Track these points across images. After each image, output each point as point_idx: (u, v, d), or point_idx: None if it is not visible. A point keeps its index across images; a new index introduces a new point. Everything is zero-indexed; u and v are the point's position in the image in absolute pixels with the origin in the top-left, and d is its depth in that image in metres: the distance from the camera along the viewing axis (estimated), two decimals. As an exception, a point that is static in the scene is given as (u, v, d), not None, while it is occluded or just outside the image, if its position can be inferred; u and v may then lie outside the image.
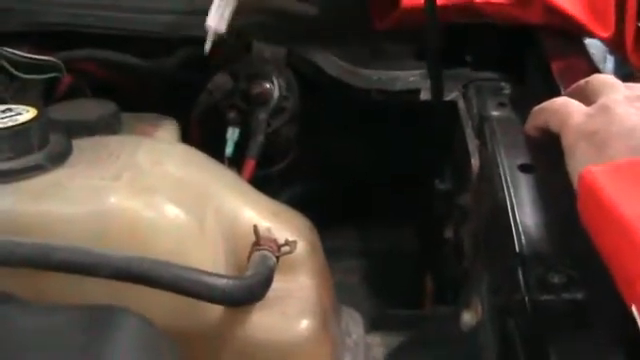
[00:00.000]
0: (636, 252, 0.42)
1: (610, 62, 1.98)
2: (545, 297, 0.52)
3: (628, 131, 0.52)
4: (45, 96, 0.83)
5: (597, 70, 0.77)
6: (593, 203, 0.47)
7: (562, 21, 0.81)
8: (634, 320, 0.41)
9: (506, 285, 0.59)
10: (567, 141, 0.56)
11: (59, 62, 0.83)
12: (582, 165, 0.51)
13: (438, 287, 0.86)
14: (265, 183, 0.74)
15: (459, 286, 0.72)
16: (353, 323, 0.70)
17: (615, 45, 0.83)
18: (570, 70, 0.73)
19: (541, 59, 0.77)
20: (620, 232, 0.43)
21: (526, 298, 0.54)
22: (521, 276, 0.58)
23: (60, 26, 0.88)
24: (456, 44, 0.85)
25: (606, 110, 0.55)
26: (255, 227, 0.61)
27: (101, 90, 0.85)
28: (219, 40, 0.84)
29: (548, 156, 0.59)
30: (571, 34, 0.82)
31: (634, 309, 0.42)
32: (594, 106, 0.56)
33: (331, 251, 0.71)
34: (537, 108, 0.63)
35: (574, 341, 0.48)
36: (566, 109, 0.58)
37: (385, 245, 0.91)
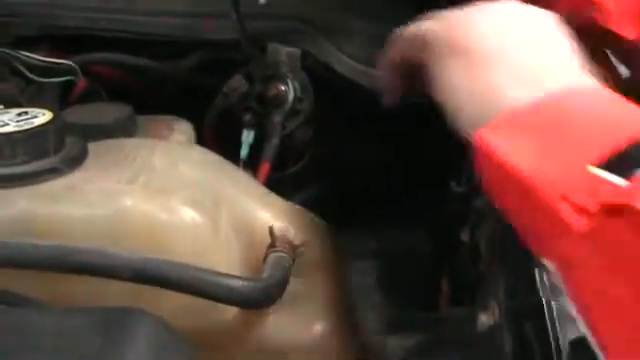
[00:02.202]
0: (541, 209, 0.41)
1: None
2: (562, 300, 0.52)
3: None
4: (61, 99, 0.84)
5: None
6: (490, 164, 0.45)
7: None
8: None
9: (523, 288, 0.59)
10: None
11: (74, 65, 0.84)
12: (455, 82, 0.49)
13: (454, 289, 0.86)
14: (280, 185, 0.74)
15: (475, 289, 0.72)
16: (368, 325, 0.70)
17: None
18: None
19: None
20: (521, 190, 0.42)
21: (543, 301, 0.54)
22: (538, 279, 0.58)
23: (75, 30, 0.88)
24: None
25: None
26: (270, 228, 0.61)
27: (116, 93, 0.85)
28: (235, 44, 0.84)
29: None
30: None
31: (547, 263, 0.42)
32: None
33: (347, 252, 0.71)
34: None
35: (589, 344, 0.48)
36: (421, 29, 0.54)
37: (401, 247, 0.91)
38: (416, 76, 0.55)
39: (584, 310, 0.40)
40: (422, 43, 0.53)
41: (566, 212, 0.40)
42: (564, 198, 0.40)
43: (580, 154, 0.41)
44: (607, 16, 0.63)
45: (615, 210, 0.38)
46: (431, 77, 0.52)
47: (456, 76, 0.50)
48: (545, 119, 0.44)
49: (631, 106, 0.44)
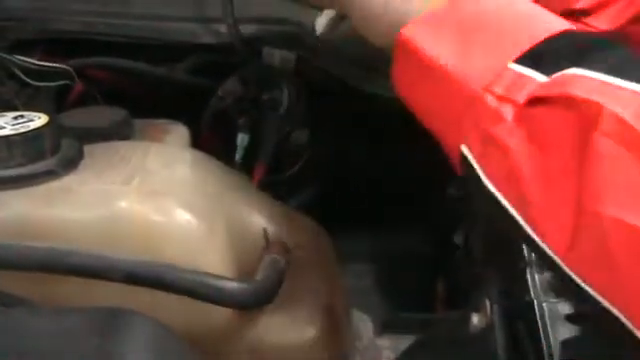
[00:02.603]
0: (465, 100, 0.44)
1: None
2: (553, 300, 0.53)
3: None
4: (57, 103, 0.84)
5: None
6: (413, 59, 0.47)
7: None
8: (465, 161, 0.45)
9: (516, 288, 0.59)
10: None
11: (70, 69, 0.84)
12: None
13: (449, 291, 0.86)
14: (276, 188, 0.75)
15: (470, 290, 0.72)
16: (363, 326, 0.71)
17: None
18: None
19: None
20: (445, 83, 0.45)
21: (535, 301, 0.54)
22: (530, 280, 0.58)
23: (71, 34, 0.88)
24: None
25: None
26: (265, 231, 0.61)
27: (112, 97, 0.86)
28: (229, 48, 0.85)
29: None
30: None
31: (463, 148, 0.45)
32: None
33: (342, 255, 0.72)
34: None
35: (582, 343, 0.48)
36: None
37: (396, 249, 0.91)
38: None
39: (510, 188, 0.43)
40: None
41: (492, 102, 0.43)
42: (488, 90, 0.43)
43: (501, 49, 0.44)
44: None
45: (540, 101, 0.42)
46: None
47: None
48: (465, 16, 0.47)
49: (540, 8, 0.48)
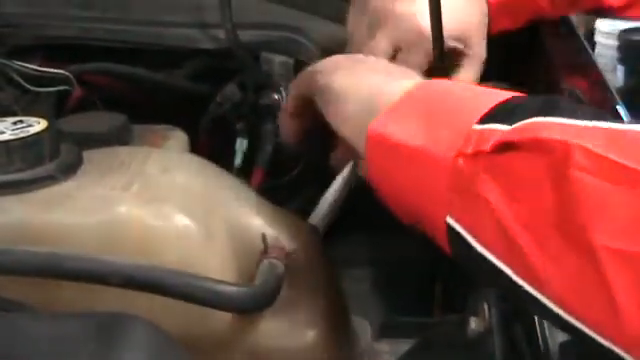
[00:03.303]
0: (438, 172, 0.46)
1: (620, 71, 1.98)
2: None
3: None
4: (56, 109, 0.84)
5: (601, 76, 0.77)
6: (384, 149, 0.51)
7: None
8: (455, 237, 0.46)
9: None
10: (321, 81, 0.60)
11: (69, 75, 0.84)
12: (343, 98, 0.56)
13: (447, 295, 0.86)
14: (274, 192, 0.75)
15: (468, 294, 0.72)
16: (361, 330, 0.71)
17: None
18: (574, 76, 0.74)
19: (546, 67, 0.78)
20: (417, 163, 0.48)
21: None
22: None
23: (71, 39, 0.89)
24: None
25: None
26: (263, 235, 0.61)
27: (111, 102, 0.86)
28: (228, 53, 0.85)
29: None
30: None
31: (449, 220, 0.46)
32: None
33: (340, 259, 0.72)
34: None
35: (581, 347, 0.48)
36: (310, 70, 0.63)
37: (394, 253, 0.91)
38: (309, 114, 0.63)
39: (502, 245, 0.43)
40: (312, 77, 0.62)
41: (464, 163, 0.45)
42: (459, 155, 0.46)
43: (463, 119, 0.47)
44: None
45: (507, 145, 0.44)
46: (321, 102, 0.60)
47: (344, 81, 0.58)
48: (421, 102, 0.51)
49: (477, 87, 0.53)
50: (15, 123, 0.61)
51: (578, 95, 0.69)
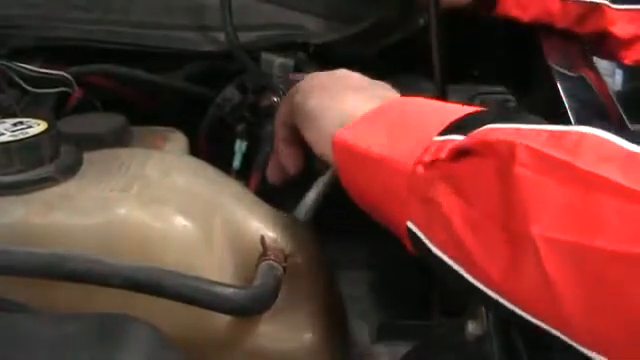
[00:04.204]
0: (398, 178, 0.50)
1: (619, 75, 1.99)
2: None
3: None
4: (56, 110, 0.84)
5: (602, 80, 0.78)
6: (350, 156, 0.54)
7: None
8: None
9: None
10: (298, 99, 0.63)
11: (69, 77, 0.84)
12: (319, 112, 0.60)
13: (445, 298, 0.86)
14: (273, 195, 0.75)
15: (466, 297, 0.72)
16: (359, 333, 0.71)
17: None
18: (573, 81, 0.74)
19: (545, 71, 0.78)
20: (379, 169, 0.51)
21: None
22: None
23: (72, 41, 0.89)
24: (464, 59, 0.86)
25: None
26: (262, 238, 0.61)
27: (111, 104, 0.86)
28: (228, 55, 0.85)
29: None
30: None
31: (409, 224, 0.50)
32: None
33: (338, 262, 0.72)
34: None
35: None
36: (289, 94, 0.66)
37: (392, 256, 0.91)
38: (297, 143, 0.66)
39: (454, 246, 0.46)
40: (291, 99, 0.64)
41: (422, 170, 0.48)
42: (418, 162, 0.49)
43: (425, 130, 0.50)
44: None
45: (461, 152, 0.47)
46: (298, 121, 0.63)
47: (318, 102, 0.60)
48: (388, 116, 0.55)
49: (442, 103, 0.56)
50: (15, 124, 0.61)
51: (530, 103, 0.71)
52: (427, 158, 0.49)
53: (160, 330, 0.47)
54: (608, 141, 0.42)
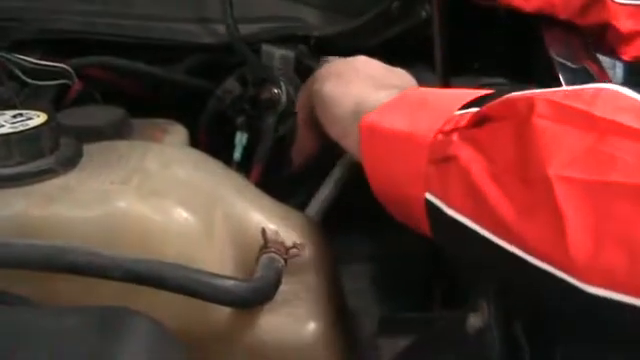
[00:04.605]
0: (416, 147, 0.52)
1: (619, 68, 1.98)
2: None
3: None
4: (56, 102, 0.84)
5: (604, 72, 0.77)
6: (375, 137, 0.56)
7: None
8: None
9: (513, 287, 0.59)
10: (315, 85, 0.65)
11: (69, 69, 0.84)
12: (331, 98, 0.63)
13: (447, 290, 0.86)
14: (275, 187, 0.75)
15: (468, 289, 0.72)
16: (361, 326, 0.71)
17: None
18: (575, 72, 0.74)
19: (547, 62, 0.78)
20: (402, 145, 0.53)
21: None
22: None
23: (72, 33, 0.89)
24: (464, 52, 0.85)
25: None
26: (263, 230, 0.61)
27: (111, 96, 0.86)
28: (228, 45, 0.85)
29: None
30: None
31: (428, 195, 0.50)
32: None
33: (340, 255, 0.72)
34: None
35: (582, 343, 0.48)
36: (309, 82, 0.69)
37: (394, 249, 0.91)
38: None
39: (474, 203, 0.47)
40: (310, 85, 0.67)
41: (442, 137, 0.50)
42: (439, 132, 0.51)
43: (443, 110, 0.53)
44: None
45: (482, 119, 0.49)
46: (315, 107, 0.65)
47: (333, 89, 0.63)
48: (410, 100, 0.57)
49: (463, 90, 0.57)
50: (15, 116, 0.61)
51: None
52: (447, 127, 0.51)
53: (161, 323, 0.47)
54: (624, 94, 0.45)
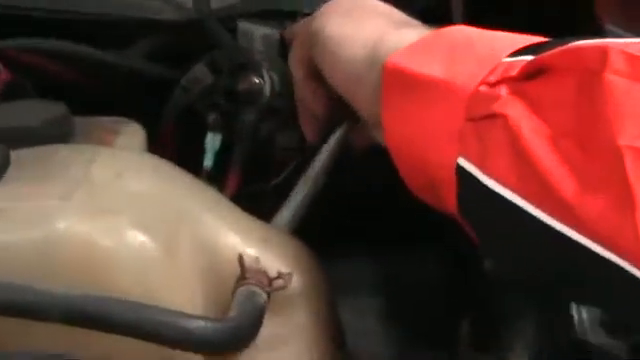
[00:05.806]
0: (452, 98, 0.52)
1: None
2: (603, 340, 0.53)
3: None
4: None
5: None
6: (401, 81, 0.56)
7: None
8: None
9: (558, 324, 0.59)
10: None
11: (-6, 54, 0.84)
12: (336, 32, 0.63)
13: (475, 328, 0.86)
14: (257, 202, 0.75)
15: (501, 326, 0.72)
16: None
17: None
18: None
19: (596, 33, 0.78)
20: (431, 89, 0.53)
21: (581, 340, 0.54)
22: (575, 314, 0.58)
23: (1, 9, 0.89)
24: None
25: None
26: (240, 256, 0.61)
27: (48, 89, 0.86)
28: (196, 23, 0.85)
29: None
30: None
31: (461, 160, 0.50)
32: None
33: (338, 285, 0.72)
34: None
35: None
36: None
37: (406, 277, 0.92)
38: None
39: (514, 172, 0.47)
40: (307, 25, 0.68)
41: (486, 90, 0.50)
42: (482, 83, 0.50)
43: (489, 55, 0.52)
44: None
45: (538, 70, 0.49)
46: (315, 50, 0.66)
47: (342, 28, 0.64)
48: (448, 40, 0.56)
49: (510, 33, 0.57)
50: None
51: None
52: (493, 78, 0.50)
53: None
54: None
